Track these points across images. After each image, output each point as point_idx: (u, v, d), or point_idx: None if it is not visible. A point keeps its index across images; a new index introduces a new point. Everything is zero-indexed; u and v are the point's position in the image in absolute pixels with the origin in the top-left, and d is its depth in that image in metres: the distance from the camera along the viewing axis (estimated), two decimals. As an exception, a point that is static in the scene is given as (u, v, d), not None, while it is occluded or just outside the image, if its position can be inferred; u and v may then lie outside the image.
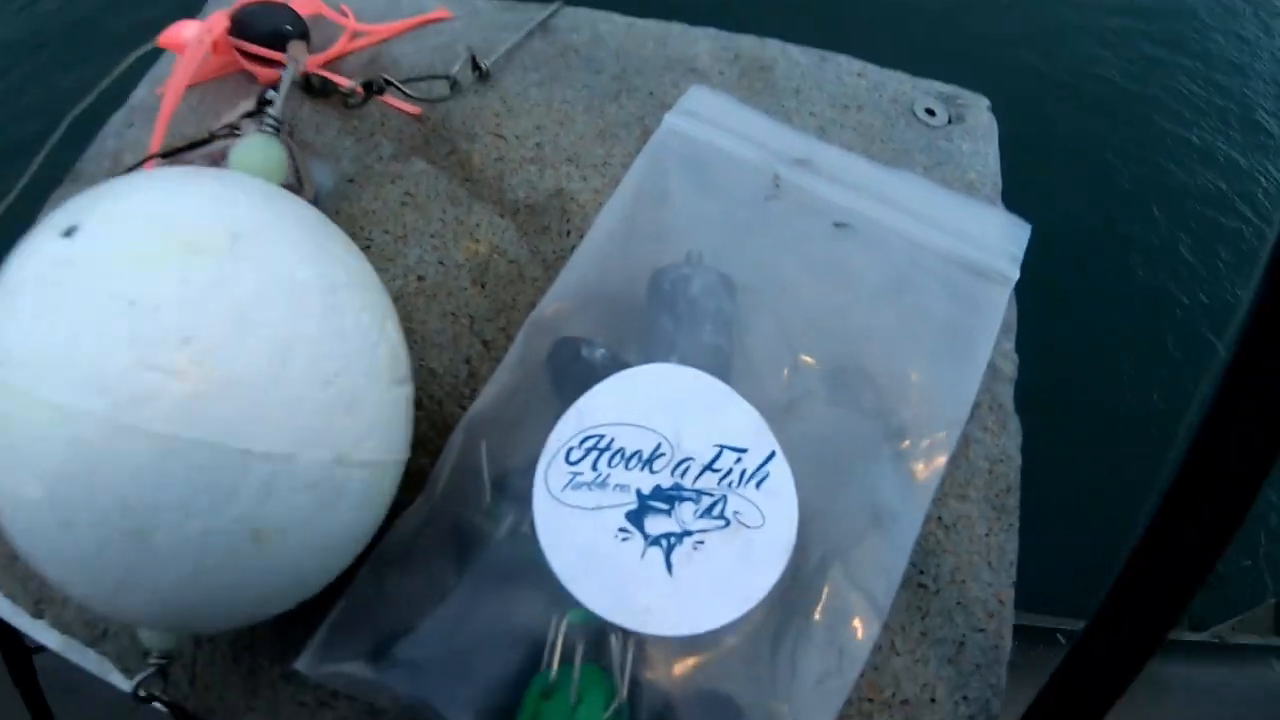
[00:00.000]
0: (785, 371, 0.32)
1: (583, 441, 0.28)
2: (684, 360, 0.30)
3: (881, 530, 0.30)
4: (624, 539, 0.27)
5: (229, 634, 0.32)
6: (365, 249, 0.36)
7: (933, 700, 0.30)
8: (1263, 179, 2.06)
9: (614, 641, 0.26)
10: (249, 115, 0.40)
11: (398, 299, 0.36)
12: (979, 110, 0.46)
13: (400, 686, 0.26)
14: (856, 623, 0.29)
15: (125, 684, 0.35)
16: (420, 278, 0.37)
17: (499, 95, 0.43)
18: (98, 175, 0.45)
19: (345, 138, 0.42)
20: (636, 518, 0.27)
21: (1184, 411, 0.20)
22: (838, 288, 0.34)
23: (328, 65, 0.45)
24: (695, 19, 0.48)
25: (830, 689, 0.28)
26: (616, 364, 0.31)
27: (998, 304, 0.36)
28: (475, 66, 0.43)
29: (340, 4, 0.48)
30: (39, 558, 0.23)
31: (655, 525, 0.27)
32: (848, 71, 0.47)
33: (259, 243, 0.22)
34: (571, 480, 0.27)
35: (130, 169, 0.40)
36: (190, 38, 0.43)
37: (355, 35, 0.47)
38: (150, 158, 0.40)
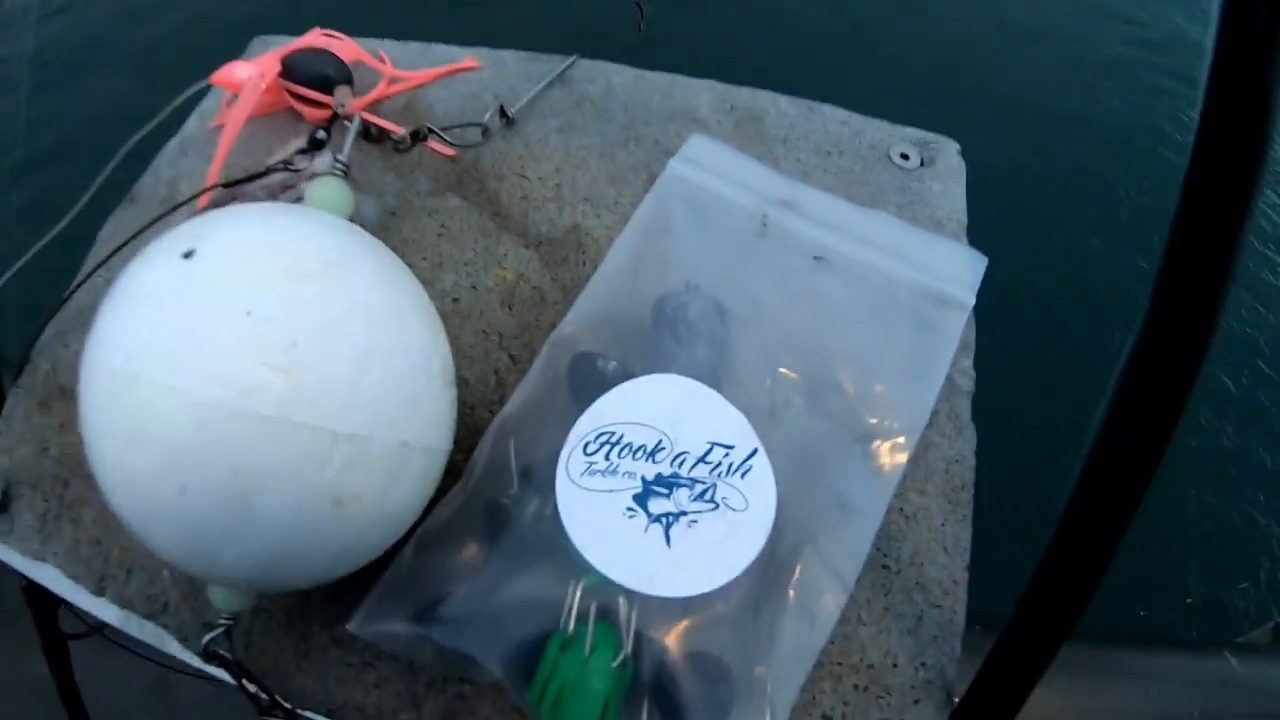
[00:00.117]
0: (768, 383, 0.37)
1: (597, 437, 0.34)
2: (682, 372, 0.36)
3: (849, 518, 0.35)
4: (631, 516, 0.32)
5: (284, 603, 0.37)
6: (407, 274, 0.41)
7: (895, 665, 0.35)
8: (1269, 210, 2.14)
9: (621, 603, 0.31)
10: (301, 152, 0.46)
11: (436, 318, 0.42)
12: (949, 154, 0.51)
13: (442, 639, 0.31)
14: (826, 596, 0.34)
15: (182, 653, 0.39)
16: (455, 300, 0.42)
17: (523, 140, 0.49)
18: (153, 200, 0.50)
19: (387, 174, 0.47)
20: (641, 499, 0.32)
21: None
22: (815, 313, 0.40)
23: (368, 107, 0.50)
24: (698, 68, 0.54)
25: (803, 653, 0.33)
26: (625, 374, 0.36)
27: (955, 327, 0.41)
28: (503, 114, 0.48)
29: (378, 51, 0.54)
30: (150, 522, 0.28)
31: (657, 506, 0.32)
32: (832, 120, 0.52)
33: (344, 271, 0.28)
34: (588, 468, 0.33)
35: (196, 196, 0.45)
36: (245, 78, 0.49)
37: (392, 81, 0.53)
38: (213, 186, 0.45)
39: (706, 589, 0.31)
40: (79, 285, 0.46)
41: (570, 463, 0.33)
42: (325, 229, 0.30)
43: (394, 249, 0.45)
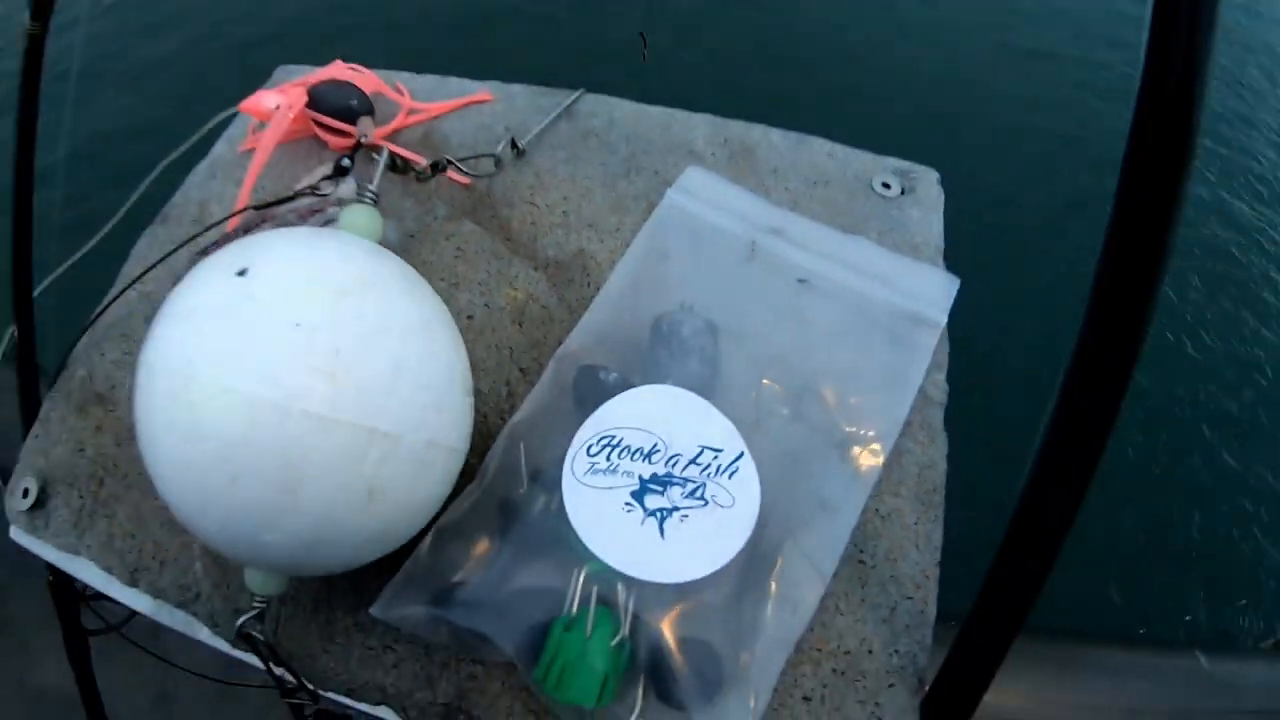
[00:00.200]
0: (754, 394, 0.41)
1: (599, 440, 0.37)
2: (676, 383, 0.40)
3: (827, 517, 0.39)
4: (629, 511, 0.36)
5: (311, 591, 0.40)
6: (427, 293, 0.45)
7: (870, 652, 0.38)
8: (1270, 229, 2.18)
9: (620, 589, 0.34)
10: (327, 178, 0.50)
11: (453, 334, 0.45)
12: (929, 183, 0.54)
13: (458, 621, 0.34)
14: (806, 587, 0.37)
15: (211, 639, 0.42)
16: (470, 317, 0.46)
17: (533, 170, 0.53)
18: (184, 219, 0.54)
19: (407, 200, 0.51)
20: (638, 496, 0.36)
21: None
22: (799, 331, 0.43)
23: (388, 137, 0.54)
24: (697, 102, 0.57)
25: (784, 639, 0.36)
26: (625, 385, 0.40)
27: (929, 343, 0.44)
28: (514, 146, 0.52)
29: (395, 82, 0.58)
30: (201, 508, 0.31)
31: (652, 502, 0.36)
32: (820, 152, 0.55)
33: (379, 290, 0.32)
34: (591, 468, 0.37)
35: (228, 217, 0.48)
36: (273, 107, 0.52)
37: (411, 112, 0.57)
38: (245, 209, 0.49)
39: (696, 576, 0.34)
40: (115, 298, 0.49)
41: (575, 462, 0.37)
42: (361, 251, 0.34)
43: (414, 270, 0.49)
